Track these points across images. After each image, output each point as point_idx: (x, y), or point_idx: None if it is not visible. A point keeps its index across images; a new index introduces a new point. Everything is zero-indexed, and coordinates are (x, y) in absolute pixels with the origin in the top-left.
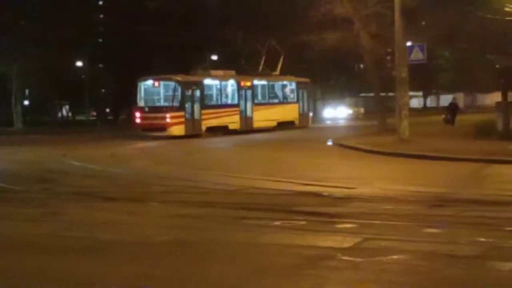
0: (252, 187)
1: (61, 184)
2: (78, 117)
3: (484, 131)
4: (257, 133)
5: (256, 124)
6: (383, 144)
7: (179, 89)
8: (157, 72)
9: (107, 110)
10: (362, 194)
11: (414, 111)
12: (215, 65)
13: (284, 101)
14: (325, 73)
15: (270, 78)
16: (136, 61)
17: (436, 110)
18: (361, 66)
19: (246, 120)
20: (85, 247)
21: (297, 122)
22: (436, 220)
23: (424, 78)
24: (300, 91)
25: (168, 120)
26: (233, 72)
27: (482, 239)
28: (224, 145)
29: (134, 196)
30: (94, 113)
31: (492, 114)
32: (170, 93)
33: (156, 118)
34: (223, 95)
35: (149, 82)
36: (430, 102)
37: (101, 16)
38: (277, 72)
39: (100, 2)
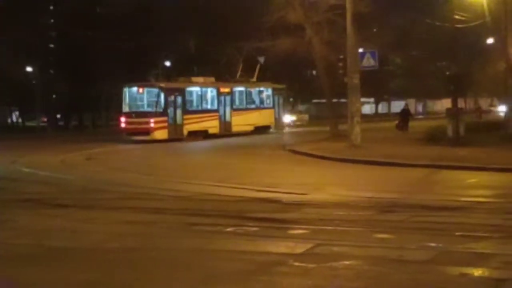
0: (205, 193)
1: (10, 191)
2: (28, 123)
3: (434, 137)
4: (235, 136)
5: (235, 128)
6: (335, 150)
7: (162, 95)
8: (110, 78)
9: (58, 116)
10: (314, 200)
11: (366, 117)
12: (169, 71)
13: (261, 106)
14: (278, 79)
15: (247, 85)
16: (88, 67)
17: (388, 116)
18: (314, 72)
19: (225, 124)
20: (34, 254)
21: (273, 126)
22: (386, 226)
23: (376, 85)
24: (276, 96)
25: (152, 124)
26: (212, 79)
27: (432, 244)
28: (190, 149)
29: (85, 203)
30: (45, 119)
31: (443, 120)
32: (154, 98)
33: (141, 123)
34: (204, 101)
35: (134, 88)
36: (382, 108)
37: (52, 21)
38: (254, 79)
39: (51, 7)
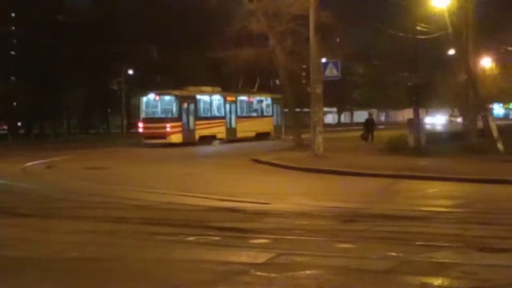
0: (168, 203)
1: None
2: None
3: (396, 147)
4: (238, 142)
5: (240, 134)
6: (298, 160)
7: (177, 102)
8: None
9: (19, 124)
10: (277, 209)
11: (328, 126)
12: (131, 80)
13: (262, 114)
14: (240, 89)
15: (250, 94)
16: (50, 75)
17: (351, 126)
18: (277, 82)
19: (231, 130)
20: None
21: (272, 133)
22: (348, 235)
23: (339, 95)
24: (275, 105)
25: (168, 129)
26: (219, 89)
27: (393, 254)
28: (157, 157)
29: (45, 212)
30: (5, 127)
31: (405, 130)
32: (170, 106)
33: (158, 127)
34: (212, 108)
35: (151, 96)
36: (345, 118)
37: (13, 28)
38: (255, 89)
39: (13, 14)
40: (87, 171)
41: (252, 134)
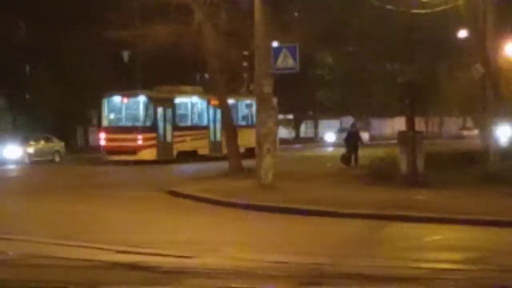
0: (41, 256)
1: None
2: None
3: (382, 174)
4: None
5: (225, 150)
6: (237, 192)
7: (152, 107)
8: None
9: None
10: (204, 266)
11: (282, 142)
12: None
13: (253, 123)
14: (151, 85)
15: (237, 97)
16: None
17: (314, 142)
18: (206, 76)
19: (215, 144)
20: None
21: None
22: None
23: (297, 95)
24: None
25: (139, 142)
26: (200, 89)
27: None
28: (33, 187)
29: None
30: None
31: (394, 148)
32: (141, 111)
33: (125, 139)
34: (194, 115)
35: (116, 98)
36: (306, 130)
37: None
38: (244, 89)
39: None
40: None
41: (241, 150)
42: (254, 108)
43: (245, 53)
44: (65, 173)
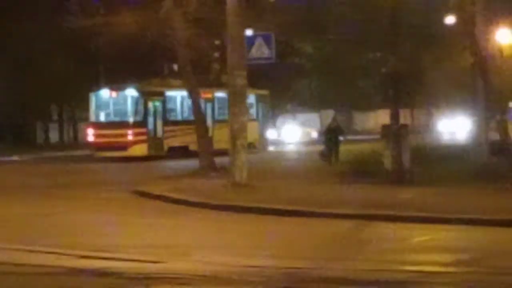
0: None
1: None
2: None
3: (365, 171)
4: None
5: (216, 144)
6: (209, 192)
7: (143, 101)
8: None
9: None
10: (173, 271)
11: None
12: None
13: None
14: (114, 78)
15: (225, 90)
16: None
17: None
18: (174, 67)
19: None
20: None
21: (256, 144)
22: None
23: (273, 88)
24: (260, 105)
25: (130, 137)
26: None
27: None
28: None
29: None
30: None
31: (378, 143)
32: (131, 105)
33: (116, 135)
34: (184, 109)
35: (105, 92)
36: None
37: None
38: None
39: None
40: None
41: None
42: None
43: (217, 42)
44: (25, 172)
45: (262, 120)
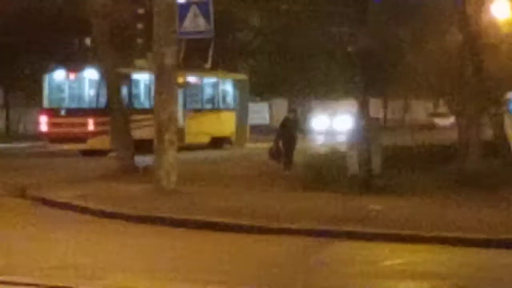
0: None
1: None
2: None
3: (325, 176)
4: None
5: (189, 138)
6: (127, 199)
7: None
8: None
9: None
10: None
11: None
12: None
13: (219, 106)
14: (12, 55)
15: (202, 73)
16: None
17: None
18: (87, 41)
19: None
20: None
21: (233, 137)
22: None
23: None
24: (238, 92)
25: (90, 127)
26: None
27: None
28: None
29: None
30: None
31: (341, 142)
32: (92, 89)
33: (73, 124)
34: (152, 95)
35: (60, 73)
36: None
37: None
38: (208, 64)
39: None
40: None
41: (206, 139)
42: (221, 88)
43: (140, 11)
44: None
45: (240, 110)
